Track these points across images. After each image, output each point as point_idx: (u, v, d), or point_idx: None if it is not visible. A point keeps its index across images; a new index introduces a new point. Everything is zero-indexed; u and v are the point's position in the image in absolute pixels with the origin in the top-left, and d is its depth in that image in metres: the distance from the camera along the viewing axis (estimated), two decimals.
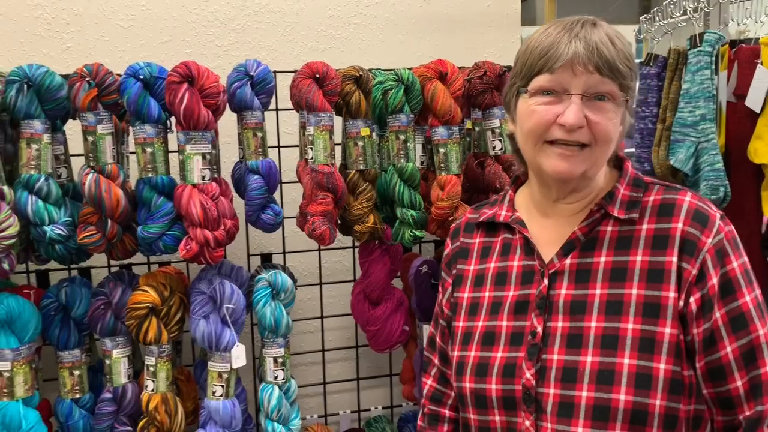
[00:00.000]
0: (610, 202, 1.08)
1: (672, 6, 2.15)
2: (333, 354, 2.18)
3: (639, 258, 1.04)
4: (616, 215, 1.07)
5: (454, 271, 1.23)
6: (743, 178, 2.03)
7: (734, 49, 2.06)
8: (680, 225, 1.03)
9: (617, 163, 1.15)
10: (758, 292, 1.04)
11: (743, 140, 2.00)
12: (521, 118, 1.09)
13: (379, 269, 1.86)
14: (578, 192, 1.11)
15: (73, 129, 1.69)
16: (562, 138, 1.03)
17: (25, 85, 1.51)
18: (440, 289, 1.28)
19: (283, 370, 1.73)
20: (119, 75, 1.58)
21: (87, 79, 1.54)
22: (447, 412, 1.27)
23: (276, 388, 1.71)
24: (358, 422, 2.17)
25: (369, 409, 2.18)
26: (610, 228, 1.08)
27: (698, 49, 1.99)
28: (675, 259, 1.02)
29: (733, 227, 1.07)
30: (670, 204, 1.06)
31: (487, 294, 1.15)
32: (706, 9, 2.05)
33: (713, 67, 1.97)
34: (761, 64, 1.93)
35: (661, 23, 2.22)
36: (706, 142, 1.99)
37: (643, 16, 2.32)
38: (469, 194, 1.86)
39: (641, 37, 2.34)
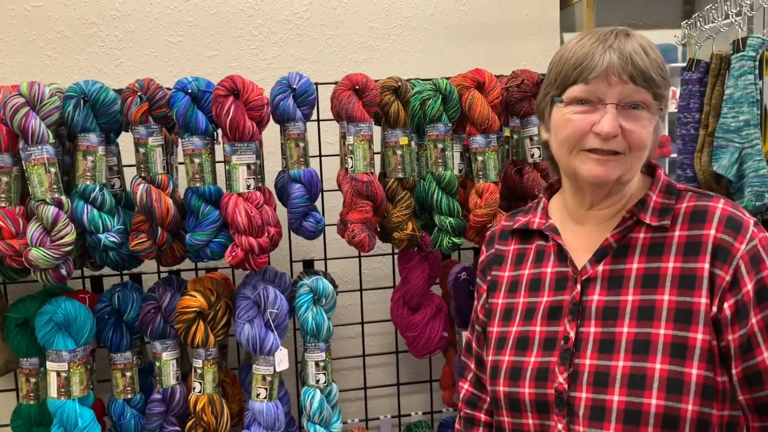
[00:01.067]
0: (642, 209, 1.10)
1: (714, 10, 2.12)
2: (373, 359, 2.22)
3: (671, 264, 1.05)
4: (648, 222, 1.09)
5: (488, 278, 1.26)
6: None
7: None
8: (713, 231, 1.04)
9: (649, 170, 1.16)
10: None
11: None
12: (556, 126, 1.11)
13: (417, 276, 1.88)
14: (612, 197, 1.12)
15: (125, 141, 1.77)
16: (597, 147, 1.05)
17: (82, 101, 1.59)
18: (476, 295, 1.31)
19: (324, 374, 1.77)
20: (168, 89, 1.65)
21: (138, 93, 1.61)
22: (482, 416, 1.30)
23: (318, 391, 1.75)
24: (399, 427, 2.20)
25: (409, 414, 2.20)
26: (642, 235, 1.09)
27: (741, 53, 1.96)
28: (707, 265, 1.03)
29: (767, 234, 1.06)
30: (703, 211, 1.07)
31: (521, 300, 1.17)
32: (749, 13, 2.02)
33: (757, 71, 1.95)
34: None
35: (703, 28, 2.20)
36: (750, 147, 1.96)
37: (684, 21, 2.30)
38: (507, 201, 1.87)
39: (683, 42, 2.32)
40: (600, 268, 1.10)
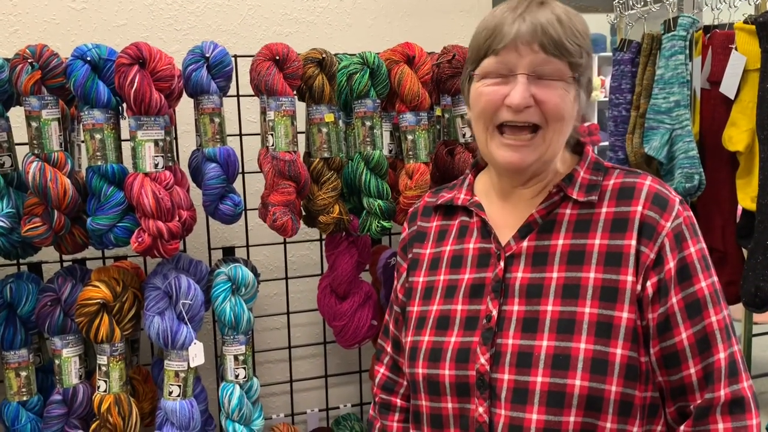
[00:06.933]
0: (569, 185, 1.06)
1: None
2: (300, 351, 2.11)
3: (597, 241, 1.02)
4: (575, 198, 1.05)
5: (410, 255, 1.20)
6: (718, 166, 2.00)
7: (708, 35, 2.02)
8: (639, 208, 1.01)
9: (577, 148, 1.13)
10: (715, 279, 1.01)
11: (718, 127, 1.97)
12: (472, 102, 1.06)
13: (345, 262, 1.78)
14: (536, 177, 1.08)
15: (20, 116, 1.59)
16: (511, 120, 1.00)
17: None
18: (395, 274, 1.25)
19: (244, 368, 1.65)
20: (66, 58, 1.49)
21: (30, 60, 1.44)
22: (398, 401, 1.24)
23: (237, 387, 1.63)
24: (327, 421, 2.10)
25: (338, 407, 2.11)
26: (568, 211, 1.06)
27: (672, 33, 1.94)
28: (634, 242, 0.99)
29: (691, 212, 1.05)
30: (630, 187, 1.04)
31: (442, 277, 1.12)
32: None
33: (687, 51, 1.93)
34: (735, 49, 1.89)
35: (635, 9, 2.18)
36: (680, 129, 1.95)
37: (617, 2, 2.28)
38: (438, 183, 1.79)
39: (615, 22, 2.30)
40: (524, 244, 1.05)
